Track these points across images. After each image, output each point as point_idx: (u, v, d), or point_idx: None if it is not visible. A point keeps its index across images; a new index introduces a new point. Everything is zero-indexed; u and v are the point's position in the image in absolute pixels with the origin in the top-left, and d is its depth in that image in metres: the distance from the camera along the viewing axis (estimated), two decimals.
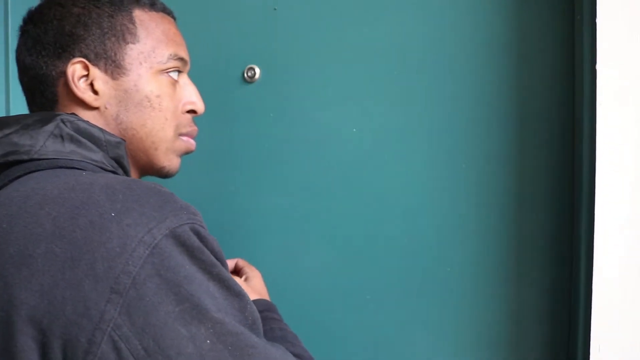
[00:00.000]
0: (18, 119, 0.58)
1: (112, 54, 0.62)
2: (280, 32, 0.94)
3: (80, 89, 0.62)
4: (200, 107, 0.69)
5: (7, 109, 1.07)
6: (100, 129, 0.61)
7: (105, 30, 0.63)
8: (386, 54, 0.87)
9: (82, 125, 0.59)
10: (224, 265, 0.53)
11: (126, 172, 0.63)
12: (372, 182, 0.88)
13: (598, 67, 0.71)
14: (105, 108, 0.63)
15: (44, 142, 0.56)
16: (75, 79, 0.61)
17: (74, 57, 0.62)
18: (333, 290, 0.90)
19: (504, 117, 0.82)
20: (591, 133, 0.72)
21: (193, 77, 0.70)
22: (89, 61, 0.62)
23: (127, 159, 0.63)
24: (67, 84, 0.62)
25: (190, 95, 0.68)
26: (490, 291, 0.83)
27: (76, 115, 0.61)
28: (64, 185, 0.51)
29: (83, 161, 0.58)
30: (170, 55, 0.65)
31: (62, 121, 0.58)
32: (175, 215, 0.50)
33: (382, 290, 0.88)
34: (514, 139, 0.82)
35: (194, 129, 0.70)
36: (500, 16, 0.82)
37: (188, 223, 0.50)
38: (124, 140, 0.62)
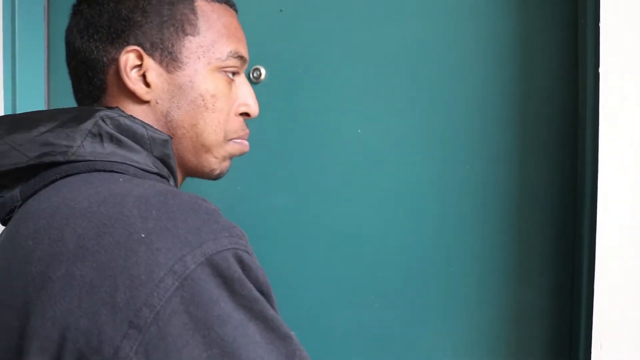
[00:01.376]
0: (54, 114, 0.53)
1: (169, 45, 0.57)
2: (286, 33, 0.94)
3: (132, 79, 0.56)
4: (255, 110, 0.65)
5: (14, 106, 1.07)
6: (144, 125, 0.54)
7: (165, 18, 0.57)
8: (390, 55, 0.88)
9: (124, 121, 0.53)
10: (271, 299, 0.46)
11: (172, 173, 0.58)
12: (377, 182, 0.89)
13: (601, 70, 0.71)
14: (156, 103, 0.58)
15: (81, 142, 0.51)
16: (128, 69, 0.56)
17: (128, 44, 0.56)
18: (337, 290, 0.91)
19: (508, 120, 0.83)
20: (594, 136, 0.72)
21: None
22: (144, 50, 0.56)
23: (174, 158, 0.57)
24: (117, 73, 0.57)
25: (245, 97, 0.64)
26: (493, 291, 0.84)
27: (119, 109, 0.55)
28: (95, 197, 0.46)
29: (124, 163, 0.52)
30: (231, 52, 0.60)
31: (102, 118, 0.52)
32: (215, 239, 0.43)
33: (386, 290, 0.88)
34: (517, 141, 0.82)
35: (246, 132, 0.65)
36: (503, 20, 0.83)
37: (230, 248, 0.43)
38: (171, 137, 0.56)
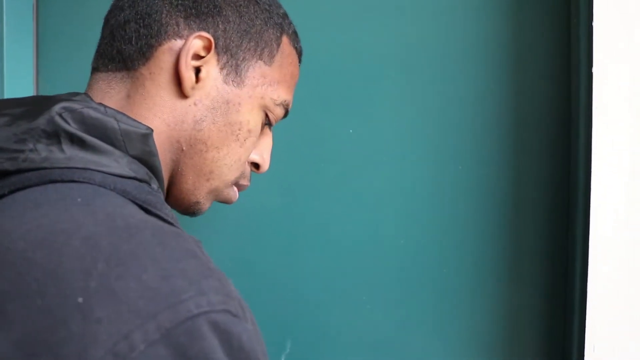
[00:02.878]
0: (3, 107, 0.43)
1: (240, 58, 0.52)
2: None
3: (188, 64, 0.49)
4: (266, 167, 0.60)
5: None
6: (116, 115, 0.44)
7: (252, 30, 0.52)
8: (382, 55, 0.87)
9: (90, 113, 0.43)
10: None
11: (156, 174, 0.48)
12: (368, 183, 0.88)
13: (594, 70, 0.71)
14: (194, 104, 0.50)
15: (33, 145, 0.41)
16: (191, 52, 0.49)
17: (204, 30, 0.50)
18: (329, 291, 0.90)
19: (500, 119, 0.82)
20: (587, 136, 0.72)
21: None
22: (215, 47, 0.50)
23: (157, 156, 0.47)
24: (172, 50, 0.49)
25: (265, 149, 0.59)
26: (486, 292, 0.83)
27: (85, 95, 0.45)
28: (35, 233, 0.35)
29: (87, 169, 0.42)
30: (285, 101, 0.56)
31: (59, 113, 0.42)
32: (178, 304, 0.32)
33: (379, 291, 0.88)
34: (510, 141, 0.82)
35: (248, 185, 0.60)
36: (496, 19, 0.82)
37: (200, 313, 0.32)
38: (152, 130, 0.46)
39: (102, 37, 0.53)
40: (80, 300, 0.31)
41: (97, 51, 0.53)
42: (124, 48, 0.50)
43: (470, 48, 0.83)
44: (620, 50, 0.70)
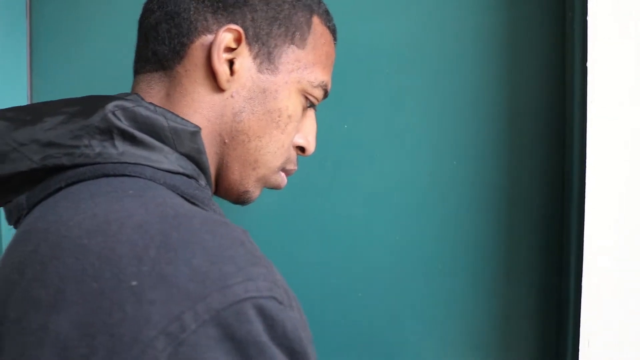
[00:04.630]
0: (58, 107, 0.45)
1: (272, 45, 0.51)
2: None
3: (220, 59, 0.49)
4: (312, 149, 0.59)
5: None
6: (165, 114, 0.45)
7: (280, 15, 0.52)
8: (377, 51, 0.87)
9: (142, 112, 0.45)
10: (306, 358, 0.36)
11: (204, 171, 0.49)
12: (363, 179, 0.88)
13: (589, 64, 0.71)
14: (232, 96, 0.50)
15: (88, 142, 0.43)
16: (222, 47, 0.49)
17: (232, 22, 0.50)
18: (324, 288, 0.90)
19: (495, 114, 0.82)
20: (582, 130, 0.72)
21: None
22: (245, 37, 0.50)
23: (205, 153, 0.48)
24: (204, 46, 0.49)
25: (310, 131, 0.58)
26: (481, 288, 0.83)
27: (137, 96, 0.47)
28: (89, 222, 0.37)
29: (138, 164, 0.44)
30: (322, 82, 0.55)
31: (112, 111, 0.44)
32: (227, 287, 0.33)
33: (373, 288, 0.88)
34: (505, 136, 0.82)
35: (295, 169, 0.59)
36: (490, 14, 0.82)
37: (248, 298, 0.33)
38: (200, 128, 0.47)
39: (138, 41, 0.54)
40: (134, 283, 0.33)
41: (136, 54, 0.54)
42: (158, 49, 0.51)
43: (464, 43, 0.83)
44: (614, 44, 0.70)
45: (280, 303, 0.35)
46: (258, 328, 0.33)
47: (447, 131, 0.84)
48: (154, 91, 0.51)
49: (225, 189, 0.55)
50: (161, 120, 0.45)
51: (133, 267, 0.34)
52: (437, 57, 0.84)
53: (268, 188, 0.59)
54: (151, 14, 0.52)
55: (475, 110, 0.83)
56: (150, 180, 0.43)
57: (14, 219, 0.47)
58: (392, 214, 0.87)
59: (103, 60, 0.97)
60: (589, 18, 0.70)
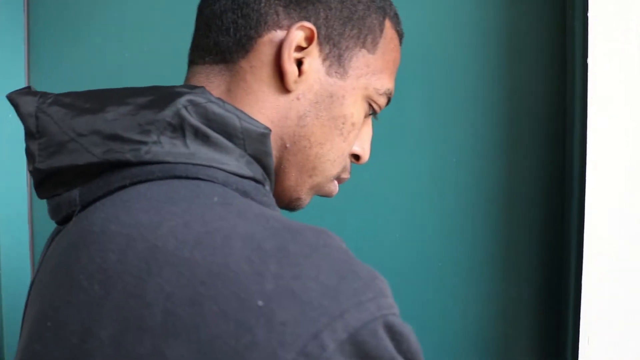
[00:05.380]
0: (124, 96, 0.41)
1: (343, 47, 0.48)
2: None
3: (291, 58, 0.45)
4: (366, 158, 0.56)
5: None
6: (237, 112, 0.42)
7: (354, 16, 0.48)
8: None
9: (214, 109, 0.41)
10: None
11: (269, 176, 0.46)
12: (363, 177, 0.88)
13: (589, 61, 0.70)
14: (297, 99, 0.47)
15: (157, 137, 0.40)
16: (293, 45, 0.45)
17: (305, 19, 0.46)
18: None
19: (495, 112, 0.82)
20: (582, 127, 0.72)
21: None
22: (317, 37, 0.47)
23: (272, 157, 0.45)
24: (272, 41, 0.46)
25: (366, 141, 0.55)
26: (481, 286, 0.83)
27: (205, 90, 0.43)
28: (185, 232, 0.34)
29: (210, 166, 0.41)
30: (387, 90, 0.52)
31: (185, 106, 0.40)
32: (360, 305, 0.32)
33: None
34: (505, 134, 0.82)
35: (348, 177, 0.56)
36: (491, 11, 0.82)
37: (379, 317, 0.32)
38: (270, 130, 0.44)
39: (197, 29, 0.50)
40: (260, 303, 0.31)
41: (193, 43, 0.50)
42: (221, 40, 0.47)
43: (464, 40, 0.83)
44: (615, 40, 0.70)
45: (399, 317, 0.34)
46: (388, 345, 0.33)
47: (447, 129, 0.84)
48: (213, 85, 0.47)
49: (277, 194, 0.51)
50: (234, 119, 0.42)
51: (254, 285, 0.31)
52: (436, 56, 0.84)
53: (319, 196, 0.55)
54: (215, 1, 0.48)
55: (475, 108, 0.83)
56: (222, 185, 0.40)
57: (62, 215, 0.43)
58: (392, 212, 0.87)
59: (101, 56, 0.96)
60: (589, 14, 0.70)
